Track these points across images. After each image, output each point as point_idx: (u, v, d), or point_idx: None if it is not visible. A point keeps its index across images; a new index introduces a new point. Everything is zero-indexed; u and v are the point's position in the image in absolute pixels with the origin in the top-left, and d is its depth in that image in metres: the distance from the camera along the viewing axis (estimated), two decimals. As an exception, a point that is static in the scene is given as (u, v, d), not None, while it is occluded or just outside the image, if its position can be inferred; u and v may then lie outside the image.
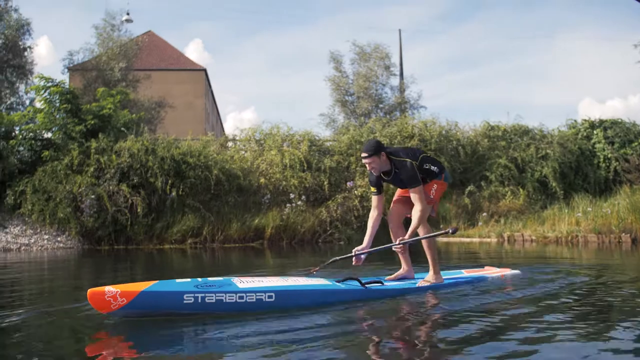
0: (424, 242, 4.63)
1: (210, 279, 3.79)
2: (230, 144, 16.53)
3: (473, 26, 68.58)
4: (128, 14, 28.46)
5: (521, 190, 15.00)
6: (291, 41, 78.16)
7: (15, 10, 22.97)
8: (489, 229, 13.40)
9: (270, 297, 3.65)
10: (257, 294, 3.62)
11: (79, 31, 70.35)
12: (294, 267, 7.17)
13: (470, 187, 14.87)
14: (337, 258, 4.64)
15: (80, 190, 12.73)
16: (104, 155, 13.38)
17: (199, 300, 3.48)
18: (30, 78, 22.89)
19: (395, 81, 26.65)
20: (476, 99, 71.90)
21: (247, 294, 3.59)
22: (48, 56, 50.00)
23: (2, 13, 22.50)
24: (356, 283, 4.22)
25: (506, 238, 12.74)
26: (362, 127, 17.30)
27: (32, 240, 12.57)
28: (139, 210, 12.68)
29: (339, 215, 13.65)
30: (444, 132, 16.10)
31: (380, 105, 25.30)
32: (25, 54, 23.24)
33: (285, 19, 70.86)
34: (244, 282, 3.75)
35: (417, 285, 4.58)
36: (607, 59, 69.68)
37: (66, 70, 24.46)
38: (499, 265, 5.44)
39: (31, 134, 14.54)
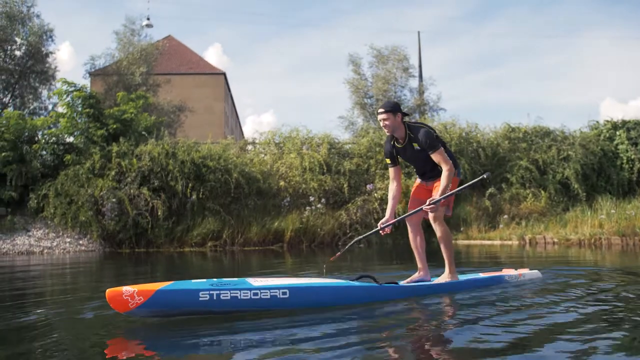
0: (441, 241, 4.59)
1: (225, 279, 3.86)
2: (249, 147, 16.60)
3: (493, 27, 68.17)
4: (148, 19, 28.83)
5: (542, 192, 14.82)
6: (310, 45, 78.39)
7: (38, 16, 23.34)
8: (510, 231, 13.26)
9: (284, 293, 3.68)
10: (272, 291, 3.66)
11: (100, 36, 71.40)
12: (313, 268, 7.15)
13: (491, 189, 14.73)
14: (361, 237, 4.70)
15: (101, 193, 12.87)
16: (125, 159, 13.51)
17: (214, 297, 3.50)
18: (53, 83, 23.24)
19: (414, 83, 26.61)
20: (496, 100, 71.44)
21: (262, 291, 3.63)
22: (70, 61, 50.79)
23: (25, 19, 22.86)
24: (371, 281, 4.23)
25: (527, 240, 12.60)
26: (382, 130, 17.23)
27: (55, 244, 12.73)
28: (159, 213, 12.78)
29: (359, 218, 13.60)
30: (464, 134, 15.98)
31: (399, 108, 25.21)
32: (48, 59, 23.58)
33: (304, 22, 71.08)
34: (258, 281, 3.82)
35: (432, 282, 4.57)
36: (630, 58, 68.73)
37: (88, 75, 24.81)
38: (517, 268, 5.35)
39: (54, 138, 14.75)
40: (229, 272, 7.21)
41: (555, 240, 12.16)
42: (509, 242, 12.72)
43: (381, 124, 4.56)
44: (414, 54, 28.13)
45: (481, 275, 5.05)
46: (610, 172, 15.89)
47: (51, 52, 23.77)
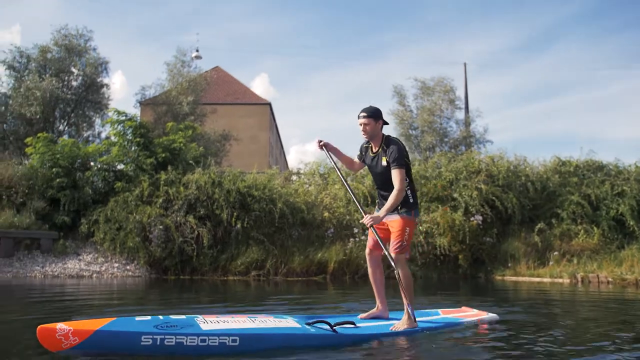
0: (401, 285, 4.41)
1: (172, 317, 3.66)
2: (294, 177, 16.66)
3: (543, 58, 67.29)
4: (197, 50, 29.73)
5: (595, 228, 14.25)
6: (356, 76, 79.06)
7: (94, 49, 24.35)
8: (561, 268, 12.80)
9: (234, 340, 3.47)
10: (221, 338, 3.45)
11: (150, 66, 73.78)
12: (355, 300, 7.05)
13: (540, 225, 14.27)
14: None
15: (149, 220, 13.08)
16: (172, 187, 13.74)
17: (158, 343, 3.31)
18: (106, 112, 24.06)
19: (460, 115, 26.43)
20: (545, 133, 70.17)
21: (210, 337, 3.42)
22: (121, 90, 52.71)
23: (82, 52, 23.86)
24: (326, 327, 4.05)
25: (579, 279, 12.13)
26: (427, 162, 17.06)
27: (103, 268, 12.97)
28: (204, 241, 12.89)
29: (403, 251, 13.36)
30: (512, 167, 15.62)
31: (445, 139, 25.06)
32: (103, 90, 24.46)
33: (351, 55, 71.82)
34: (207, 323, 3.61)
35: (390, 329, 4.32)
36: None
37: (138, 104, 25.64)
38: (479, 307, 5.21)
39: (105, 165, 15.15)
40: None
41: (610, 279, 11.67)
42: (560, 280, 12.28)
43: (360, 127, 4.61)
44: (461, 85, 27.93)
45: (441, 314, 4.99)
46: (669, 209, 15.19)
47: (106, 84, 24.68)
